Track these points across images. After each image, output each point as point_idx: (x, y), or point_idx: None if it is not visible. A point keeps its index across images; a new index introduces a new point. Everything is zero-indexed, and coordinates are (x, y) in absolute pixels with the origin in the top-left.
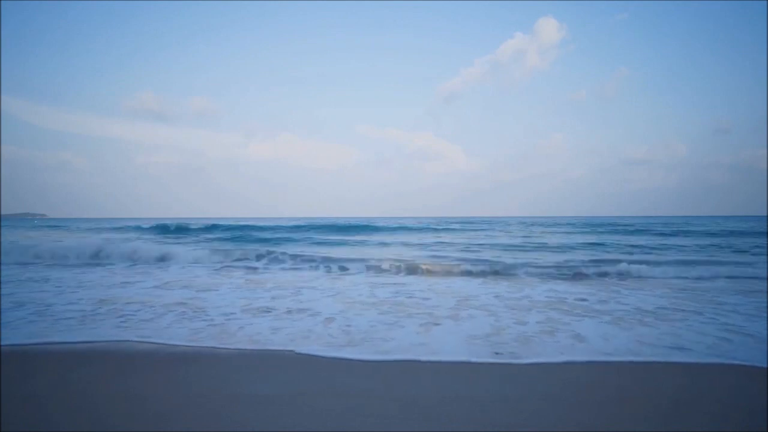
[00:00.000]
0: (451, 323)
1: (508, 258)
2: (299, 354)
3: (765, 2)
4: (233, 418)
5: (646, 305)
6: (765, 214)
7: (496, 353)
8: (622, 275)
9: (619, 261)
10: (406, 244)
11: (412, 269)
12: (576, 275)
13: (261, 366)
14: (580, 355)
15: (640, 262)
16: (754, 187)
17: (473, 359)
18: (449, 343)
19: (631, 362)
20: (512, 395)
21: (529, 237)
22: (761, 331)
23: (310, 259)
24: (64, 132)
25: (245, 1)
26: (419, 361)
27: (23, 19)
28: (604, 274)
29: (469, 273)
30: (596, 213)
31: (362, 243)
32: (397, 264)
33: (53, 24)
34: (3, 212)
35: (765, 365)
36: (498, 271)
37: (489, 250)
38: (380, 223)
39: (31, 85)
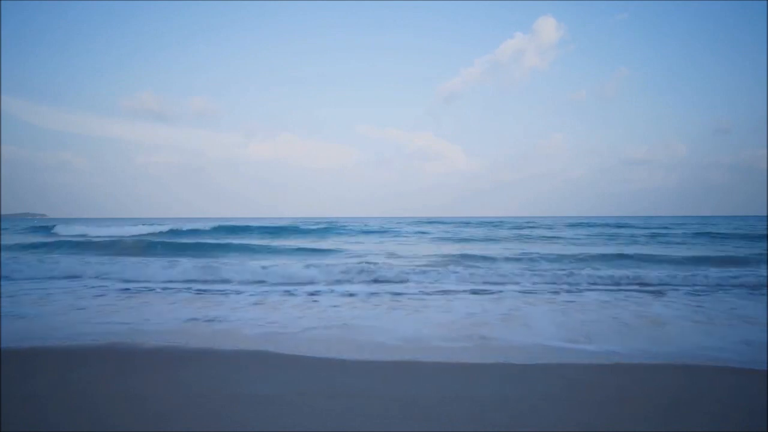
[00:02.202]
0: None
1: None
2: (299, 354)
3: (765, 2)
4: (233, 418)
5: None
6: (765, 214)
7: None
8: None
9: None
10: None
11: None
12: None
13: (261, 366)
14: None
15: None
16: (754, 187)
17: (473, 359)
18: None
19: (631, 362)
20: (512, 395)
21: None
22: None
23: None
24: (64, 132)
25: (245, 1)
26: (419, 362)
27: (23, 19)
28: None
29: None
30: (596, 213)
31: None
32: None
33: (53, 24)
34: (3, 212)
35: (765, 367)
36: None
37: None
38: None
39: (31, 85)
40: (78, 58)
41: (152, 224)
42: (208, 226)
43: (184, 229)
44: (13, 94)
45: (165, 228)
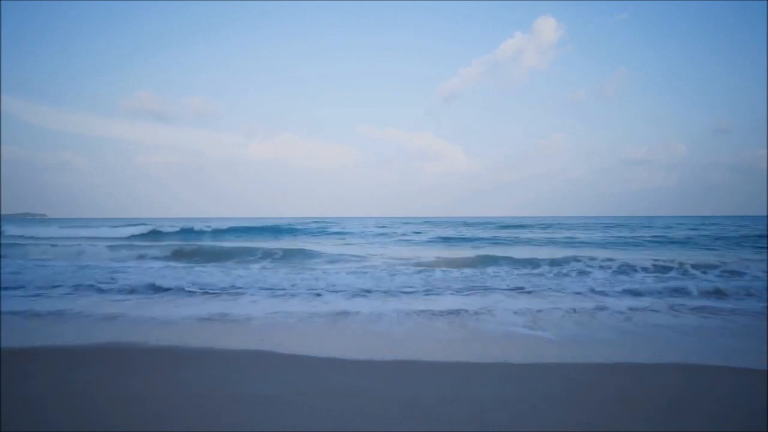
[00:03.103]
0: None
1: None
2: (299, 354)
3: (765, 2)
4: (233, 418)
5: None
6: (765, 214)
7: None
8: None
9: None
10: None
11: None
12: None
13: (261, 366)
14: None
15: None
16: (754, 187)
17: (473, 359)
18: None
19: (631, 362)
20: (512, 395)
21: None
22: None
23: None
24: (64, 132)
25: (245, 1)
26: (419, 361)
27: (23, 19)
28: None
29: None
30: (596, 213)
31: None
32: None
33: (53, 24)
34: (3, 212)
35: (765, 367)
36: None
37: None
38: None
39: (31, 85)
40: (78, 58)
41: (136, 225)
42: (192, 226)
43: (164, 230)
44: (13, 94)
45: (144, 230)
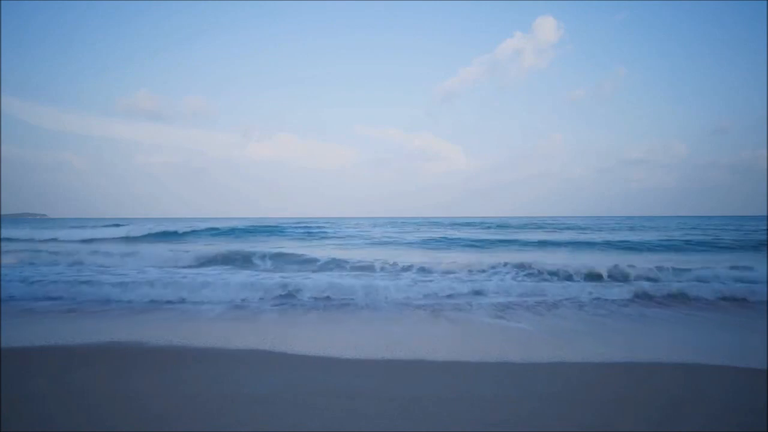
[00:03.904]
0: None
1: None
2: (298, 354)
3: (765, 2)
4: (233, 418)
5: None
6: (765, 214)
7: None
8: None
9: None
10: None
11: None
12: None
13: (260, 366)
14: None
15: None
16: (754, 187)
17: (473, 359)
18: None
19: (631, 362)
20: (512, 395)
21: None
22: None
23: None
24: (63, 132)
25: (244, 1)
26: (420, 361)
27: (23, 19)
28: None
29: None
30: (596, 213)
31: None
32: None
33: (53, 24)
34: (3, 212)
35: (765, 367)
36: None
37: None
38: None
39: (31, 85)
40: (78, 58)
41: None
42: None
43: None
44: (13, 94)
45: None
